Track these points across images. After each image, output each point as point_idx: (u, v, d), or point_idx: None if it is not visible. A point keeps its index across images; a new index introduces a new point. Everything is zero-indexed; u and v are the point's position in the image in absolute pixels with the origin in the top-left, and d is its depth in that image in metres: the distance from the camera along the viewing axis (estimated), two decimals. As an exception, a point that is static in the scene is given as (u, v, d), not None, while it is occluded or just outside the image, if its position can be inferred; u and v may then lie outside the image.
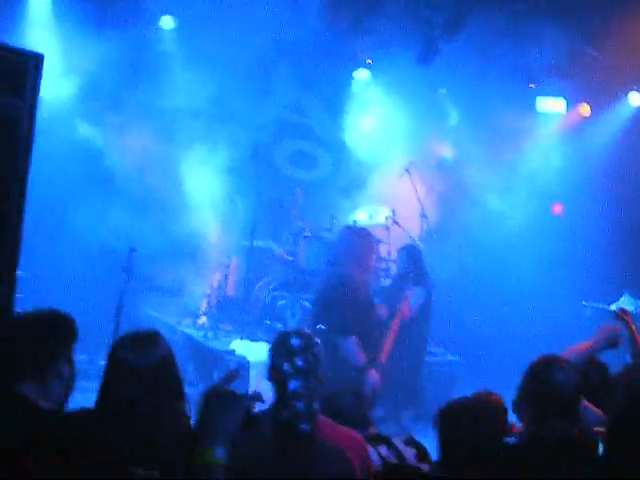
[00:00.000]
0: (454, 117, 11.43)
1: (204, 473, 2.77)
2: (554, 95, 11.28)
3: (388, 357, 6.62)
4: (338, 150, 11.80)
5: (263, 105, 10.96)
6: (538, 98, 11.36)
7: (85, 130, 9.63)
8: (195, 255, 9.73)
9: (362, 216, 9.78)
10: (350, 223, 9.27)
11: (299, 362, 3.25)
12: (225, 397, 3.06)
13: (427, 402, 8.49)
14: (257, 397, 3.11)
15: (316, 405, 3.25)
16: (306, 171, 11.80)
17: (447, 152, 11.33)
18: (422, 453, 3.77)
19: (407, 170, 9.50)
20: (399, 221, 9.44)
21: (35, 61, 3.96)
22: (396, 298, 7.21)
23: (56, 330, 3.23)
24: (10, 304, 3.90)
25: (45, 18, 9.31)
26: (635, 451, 2.96)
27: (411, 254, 8.02)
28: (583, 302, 7.20)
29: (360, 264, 6.62)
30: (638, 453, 2.95)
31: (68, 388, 3.24)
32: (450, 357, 9.59)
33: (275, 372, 3.32)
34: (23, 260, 4.01)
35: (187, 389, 3.25)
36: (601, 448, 3.29)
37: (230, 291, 9.88)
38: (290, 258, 9.63)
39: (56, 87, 8.83)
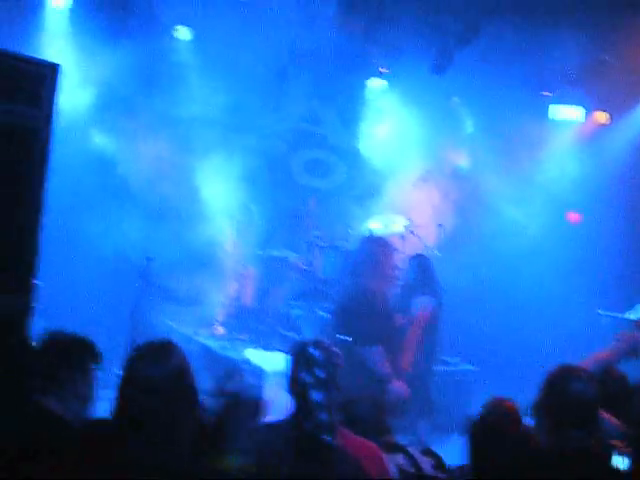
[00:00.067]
0: (469, 125, 11.42)
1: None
2: (570, 103, 11.24)
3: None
4: (353, 158, 11.81)
5: (278, 114, 11.00)
6: (553, 106, 11.33)
7: (101, 140, 9.67)
8: (211, 264, 9.73)
9: (377, 225, 9.77)
10: (365, 232, 9.26)
11: (320, 373, 3.24)
12: (244, 404, 3.06)
13: (443, 412, 8.49)
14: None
15: (337, 416, 3.24)
16: (321, 180, 11.81)
17: (462, 161, 11.30)
18: (439, 463, 3.76)
19: (422, 179, 9.49)
20: (414, 230, 9.43)
21: (52, 71, 3.99)
22: (405, 307, 7.20)
23: (76, 350, 3.26)
24: (28, 313, 3.91)
25: (62, 29, 9.38)
26: None
27: (421, 264, 8.01)
28: (599, 311, 7.16)
29: (379, 274, 6.61)
30: None
31: (85, 407, 3.27)
32: (466, 367, 9.54)
33: (295, 383, 3.31)
34: (40, 270, 4.02)
35: (203, 399, 3.25)
36: (615, 460, 3.27)
37: (246, 300, 9.87)
38: (306, 267, 9.63)
39: (72, 97, 8.87)
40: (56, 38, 9.29)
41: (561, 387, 3.40)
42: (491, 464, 3.48)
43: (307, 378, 3.25)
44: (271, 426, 3.32)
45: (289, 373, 3.37)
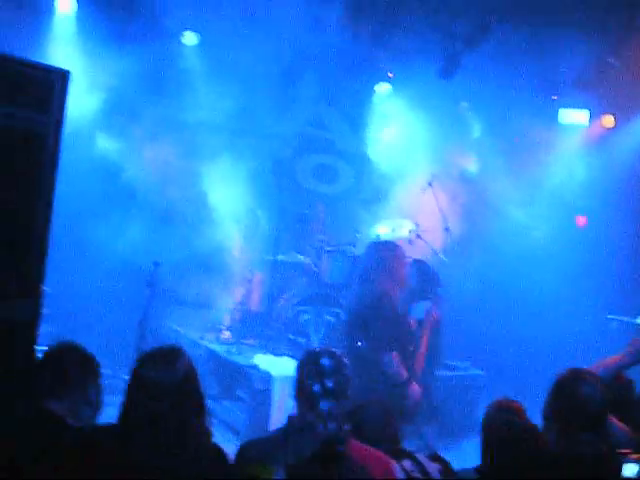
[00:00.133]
0: (476, 130, 11.41)
1: None
2: (577, 107, 11.22)
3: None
4: (360, 163, 11.81)
5: (285, 119, 11.01)
6: (561, 110, 11.31)
7: (108, 145, 9.69)
8: (218, 269, 9.73)
9: (384, 229, 9.75)
10: (373, 237, 9.25)
11: (330, 383, 3.22)
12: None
13: (451, 416, 8.48)
14: None
15: (347, 426, 3.23)
16: (328, 185, 11.81)
17: (470, 165, 11.29)
18: (446, 468, 3.75)
19: (430, 183, 9.46)
20: (422, 234, 9.41)
21: (61, 77, 3.99)
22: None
23: (86, 358, 3.28)
24: (36, 319, 3.92)
25: (69, 34, 9.40)
26: None
27: (420, 269, 8.00)
28: (609, 315, 7.14)
29: (392, 278, 6.61)
30: None
31: (95, 413, 3.29)
32: (474, 371, 9.52)
33: (304, 392, 3.29)
34: (48, 276, 4.03)
35: (210, 404, 3.25)
36: (627, 468, 3.25)
37: (253, 305, 9.86)
38: (316, 269, 9.62)
39: (79, 103, 8.89)
40: (63, 43, 9.31)
41: (570, 391, 3.39)
42: (501, 465, 3.48)
43: (316, 387, 3.23)
44: (278, 434, 3.31)
45: (298, 381, 3.36)
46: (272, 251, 9.87)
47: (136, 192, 9.45)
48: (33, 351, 3.34)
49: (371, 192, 11.34)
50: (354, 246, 9.41)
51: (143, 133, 9.61)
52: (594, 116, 11.30)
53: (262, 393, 7.96)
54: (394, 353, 6.31)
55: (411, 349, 6.61)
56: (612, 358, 4.14)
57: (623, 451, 3.45)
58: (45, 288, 4.03)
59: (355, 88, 11.29)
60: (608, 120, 11.25)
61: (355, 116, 11.72)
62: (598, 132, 11.33)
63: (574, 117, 11.34)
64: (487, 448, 3.76)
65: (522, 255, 10.46)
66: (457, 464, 3.87)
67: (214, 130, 10.17)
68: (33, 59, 4.05)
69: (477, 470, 3.79)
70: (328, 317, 8.83)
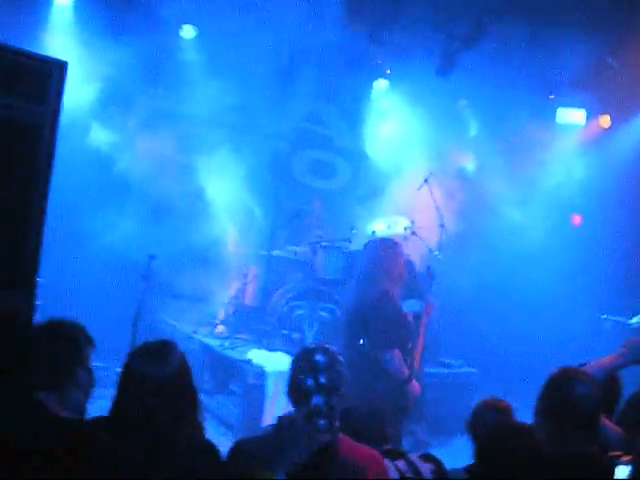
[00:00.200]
0: (474, 128, 11.42)
1: None
2: (575, 106, 11.23)
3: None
4: (357, 159, 11.81)
5: (282, 114, 10.98)
6: (559, 109, 11.32)
7: (103, 137, 9.66)
8: (214, 263, 9.73)
9: (380, 226, 9.74)
10: (369, 233, 9.24)
11: (322, 379, 3.22)
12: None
13: (444, 414, 8.48)
14: None
15: (337, 423, 3.23)
16: (325, 180, 11.81)
17: (467, 163, 11.30)
18: (439, 469, 3.75)
19: (426, 180, 9.46)
20: (417, 231, 9.40)
21: (59, 68, 3.98)
22: None
23: (71, 339, 3.22)
24: (30, 311, 3.91)
25: (66, 25, 9.37)
26: None
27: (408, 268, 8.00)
28: (603, 315, 7.15)
29: (391, 276, 6.60)
30: None
31: (87, 395, 3.23)
32: (467, 369, 9.53)
33: (297, 387, 3.28)
34: (42, 267, 4.01)
35: (203, 398, 3.24)
36: (619, 471, 3.26)
37: (248, 300, 9.86)
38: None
39: (75, 94, 8.87)
40: (60, 34, 9.28)
41: (563, 390, 3.38)
42: (491, 464, 3.48)
43: (309, 382, 3.23)
44: (271, 430, 3.30)
45: (291, 376, 3.35)
46: (267, 246, 9.87)
47: (132, 184, 9.44)
48: (28, 342, 3.31)
49: (367, 188, 11.32)
50: (350, 242, 9.40)
51: (139, 125, 9.59)
52: (591, 116, 11.31)
53: (256, 388, 7.96)
54: (396, 351, 6.32)
55: (409, 346, 6.62)
56: (607, 358, 4.13)
57: (614, 454, 3.45)
58: (40, 279, 4.02)
59: (353, 84, 11.28)
60: (605, 120, 11.26)
61: (353, 112, 11.71)
62: (595, 132, 11.34)
63: (571, 116, 11.35)
64: (476, 448, 3.77)
65: (518, 253, 10.47)
66: (450, 461, 3.87)
67: (211, 124, 10.16)
68: (30, 49, 4.03)
69: (468, 470, 3.80)
70: (322, 313, 8.83)
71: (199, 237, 9.49)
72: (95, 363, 3.30)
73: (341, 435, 3.30)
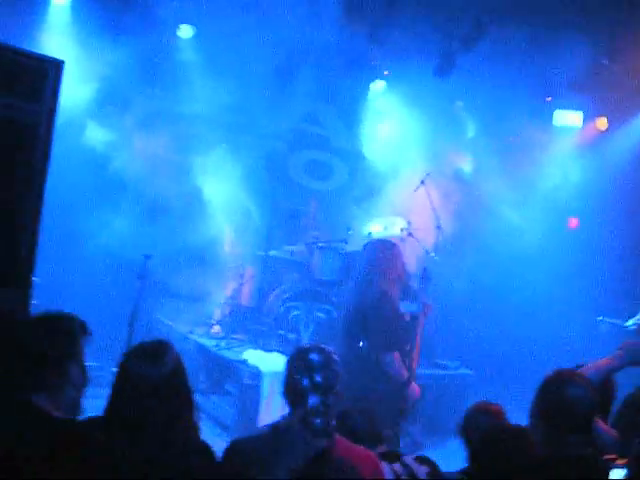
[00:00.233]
0: (471, 129, 11.41)
1: None
2: (572, 108, 11.24)
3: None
4: (354, 160, 11.81)
5: (279, 115, 10.97)
6: (556, 112, 11.33)
7: (100, 136, 9.65)
8: (210, 263, 9.72)
9: (377, 227, 9.73)
10: (365, 234, 9.24)
11: (318, 378, 3.21)
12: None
13: (439, 415, 8.48)
14: None
15: (333, 422, 3.22)
16: (321, 181, 11.80)
17: (463, 164, 11.30)
18: (434, 471, 3.75)
19: (423, 182, 9.45)
20: (414, 232, 9.39)
21: (55, 67, 3.97)
22: None
23: (64, 331, 3.16)
24: (26, 310, 3.90)
25: (63, 24, 9.36)
26: None
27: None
28: (599, 318, 7.14)
29: (390, 278, 6.60)
30: None
31: (80, 392, 3.20)
32: (463, 371, 9.53)
33: (293, 387, 3.28)
34: (38, 266, 4.01)
35: (198, 398, 3.24)
36: (613, 474, 3.25)
37: (244, 301, 9.85)
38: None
39: (72, 93, 8.85)
40: (58, 34, 9.27)
41: (558, 392, 3.38)
42: (486, 467, 3.48)
43: (305, 382, 3.22)
44: (267, 431, 3.30)
45: (287, 376, 3.34)
46: (264, 246, 9.86)
47: (128, 184, 9.43)
48: (19, 339, 3.29)
49: (364, 189, 11.31)
50: (346, 243, 9.39)
51: (136, 124, 9.58)
52: (588, 118, 11.32)
53: (251, 388, 7.95)
54: (395, 354, 6.32)
55: (407, 348, 6.62)
56: (603, 360, 4.13)
57: (609, 457, 3.45)
58: (35, 279, 4.01)
59: (350, 85, 11.27)
60: (602, 122, 11.27)
61: (350, 113, 11.71)
62: (592, 134, 11.35)
63: (568, 119, 11.36)
64: (470, 451, 3.77)
65: (514, 255, 10.47)
66: (444, 462, 3.87)
67: (208, 124, 10.14)
68: (27, 48, 4.03)
69: (464, 472, 3.79)
70: (319, 314, 8.83)
71: (195, 237, 9.48)
72: (90, 363, 3.28)
73: (337, 436, 3.29)
